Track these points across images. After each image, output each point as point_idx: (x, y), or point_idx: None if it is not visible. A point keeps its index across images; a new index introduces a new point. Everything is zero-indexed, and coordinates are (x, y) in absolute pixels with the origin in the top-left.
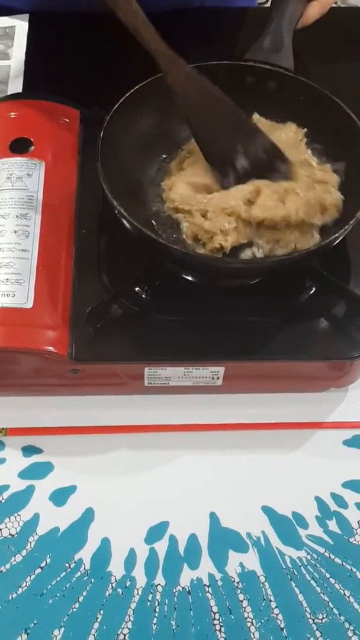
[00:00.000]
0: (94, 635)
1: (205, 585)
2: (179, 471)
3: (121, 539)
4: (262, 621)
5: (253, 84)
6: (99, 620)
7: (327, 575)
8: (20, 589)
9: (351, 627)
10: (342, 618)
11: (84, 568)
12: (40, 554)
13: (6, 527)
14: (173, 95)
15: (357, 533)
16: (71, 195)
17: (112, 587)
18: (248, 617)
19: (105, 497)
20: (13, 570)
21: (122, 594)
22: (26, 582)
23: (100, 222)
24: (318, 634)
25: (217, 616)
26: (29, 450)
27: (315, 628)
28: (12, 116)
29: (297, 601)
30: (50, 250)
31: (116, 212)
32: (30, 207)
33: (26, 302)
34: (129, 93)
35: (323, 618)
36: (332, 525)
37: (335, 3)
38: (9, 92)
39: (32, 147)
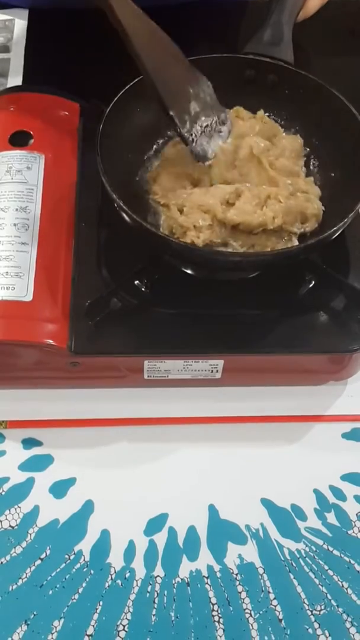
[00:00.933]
0: (93, 626)
1: (204, 576)
2: (178, 464)
3: (121, 531)
4: (261, 612)
5: (253, 77)
6: (98, 611)
7: (326, 567)
8: (20, 580)
9: (349, 619)
10: (340, 610)
11: (84, 559)
12: (40, 546)
13: (6, 519)
14: (121, 35)
15: (355, 525)
16: (71, 188)
17: (111, 579)
18: (247, 608)
19: (105, 489)
20: (13, 561)
21: (122, 585)
22: (26, 574)
23: (100, 215)
24: (316, 625)
25: (215, 607)
26: (28, 443)
27: (313, 619)
28: (12, 109)
29: (295, 593)
30: (50, 244)
31: (115, 205)
32: (30, 200)
33: (26, 295)
34: (128, 86)
35: (321, 609)
36: (331, 517)
37: None
38: (9, 85)
39: (32, 140)
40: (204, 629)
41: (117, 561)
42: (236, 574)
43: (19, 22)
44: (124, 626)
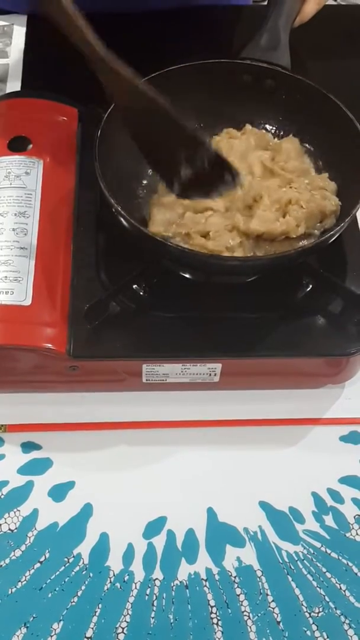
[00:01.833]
0: (92, 628)
1: (202, 579)
2: (176, 467)
3: (119, 534)
4: (259, 615)
5: (250, 82)
6: (97, 614)
7: (324, 570)
8: (19, 583)
9: (347, 621)
10: (338, 612)
11: (83, 563)
12: (40, 549)
13: (5, 522)
14: (115, 104)
15: (353, 528)
16: (69, 193)
17: (110, 582)
18: (245, 611)
19: (104, 492)
20: (12, 564)
21: (121, 588)
22: (25, 577)
23: (99, 220)
24: (314, 627)
25: (214, 610)
26: (28, 446)
27: (311, 622)
28: (11, 115)
29: (293, 595)
30: (49, 248)
31: (113, 210)
32: (29, 205)
33: (24, 299)
34: None
35: (319, 612)
36: (329, 520)
37: (335, 0)
38: (8, 91)
39: (31, 146)
40: (202, 631)
41: (116, 564)
42: (234, 577)
43: (18, 28)
44: (123, 629)
